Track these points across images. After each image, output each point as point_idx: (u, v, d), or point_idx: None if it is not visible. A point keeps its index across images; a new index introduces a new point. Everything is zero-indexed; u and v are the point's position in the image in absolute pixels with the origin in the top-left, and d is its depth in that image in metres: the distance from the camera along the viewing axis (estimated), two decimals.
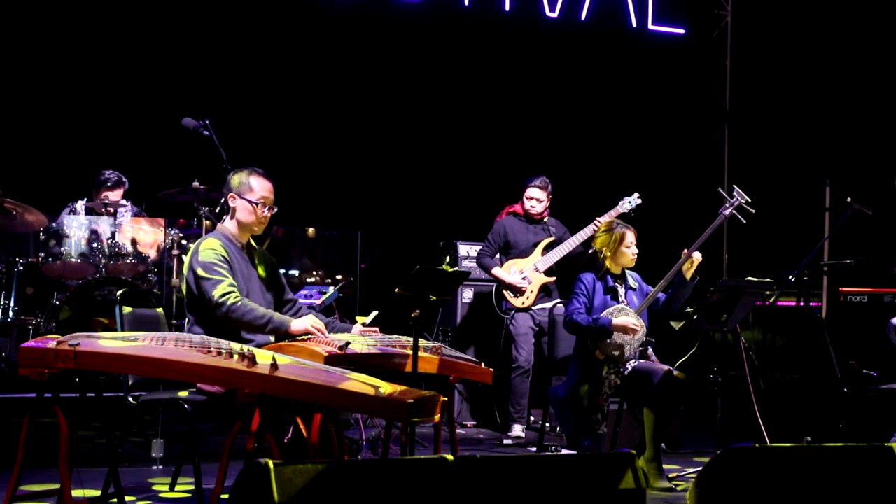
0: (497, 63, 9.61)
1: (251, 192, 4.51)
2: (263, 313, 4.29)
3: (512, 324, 6.99)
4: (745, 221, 5.86)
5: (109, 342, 3.59)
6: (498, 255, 7.09)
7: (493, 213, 7.35)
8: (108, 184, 7.02)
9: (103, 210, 6.99)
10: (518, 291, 6.93)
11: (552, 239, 7.03)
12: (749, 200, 5.87)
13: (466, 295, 7.67)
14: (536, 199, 7.03)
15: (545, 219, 7.10)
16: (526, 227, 7.07)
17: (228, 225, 4.56)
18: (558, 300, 7.01)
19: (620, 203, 6.88)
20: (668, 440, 6.36)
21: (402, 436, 4.40)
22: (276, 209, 4.60)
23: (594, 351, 5.46)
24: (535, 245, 7.02)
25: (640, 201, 6.88)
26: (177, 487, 4.88)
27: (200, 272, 4.31)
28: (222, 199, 6.63)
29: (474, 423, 7.60)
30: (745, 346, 6.05)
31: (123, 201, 7.12)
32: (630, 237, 5.64)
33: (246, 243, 4.58)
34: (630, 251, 5.63)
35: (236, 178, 4.56)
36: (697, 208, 9.91)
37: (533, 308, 6.96)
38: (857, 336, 7.41)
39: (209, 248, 4.38)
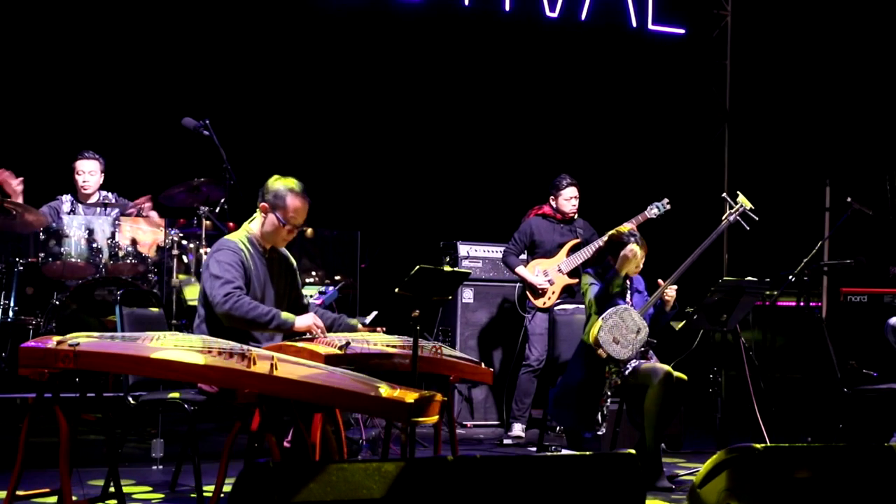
0: (497, 63, 9.61)
1: (283, 211, 4.47)
2: (267, 310, 4.28)
3: (530, 323, 7.00)
4: (748, 228, 5.85)
5: (109, 342, 3.59)
6: (525, 255, 7.11)
7: (494, 214, 7.36)
8: (85, 155, 6.99)
9: (85, 199, 6.96)
10: (540, 292, 6.94)
11: (578, 241, 7.03)
12: (752, 208, 5.86)
13: (466, 295, 7.68)
14: (576, 197, 7.04)
15: (575, 219, 7.09)
16: (553, 227, 7.07)
17: (254, 228, 4.55)
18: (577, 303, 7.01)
19: (648, 209, 6.88)
20: (668, 440, 6.37)
21: (402, 436, 4.40)
22: (306, 229, 4.58)
23: (597, 350, 5.45)
24: (561, 246, 7.02)
25: (669, 207, 6.87)
26: (177, 488, 4.88)
27: (212, 269, 4.31)
28: (222, 199, 6.68)
29: (474, 422, 7.61)
30: (745, 346, 6.05)
31: (110, 197, 7.08)
32: (639, 254, 5.60)
33: (269, 249, 4.57)
34: (636, 266, 5.62)
35: (273, 189, 4.49)
36: (698, 209, 9.92)
37: (554, 309, 6.95)
38: (857, 336, 7.41)
39: (229, 249, 4.38)
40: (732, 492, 2.96)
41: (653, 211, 6.89)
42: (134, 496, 4.76)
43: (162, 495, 4.82)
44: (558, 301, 6.89)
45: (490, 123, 9.53)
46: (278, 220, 4.47)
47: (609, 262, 5.67)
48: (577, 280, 6.96)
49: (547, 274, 6.95)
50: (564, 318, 6.28)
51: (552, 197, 7.08)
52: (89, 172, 6.99)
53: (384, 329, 4.63)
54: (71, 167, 7.04)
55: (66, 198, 7.06)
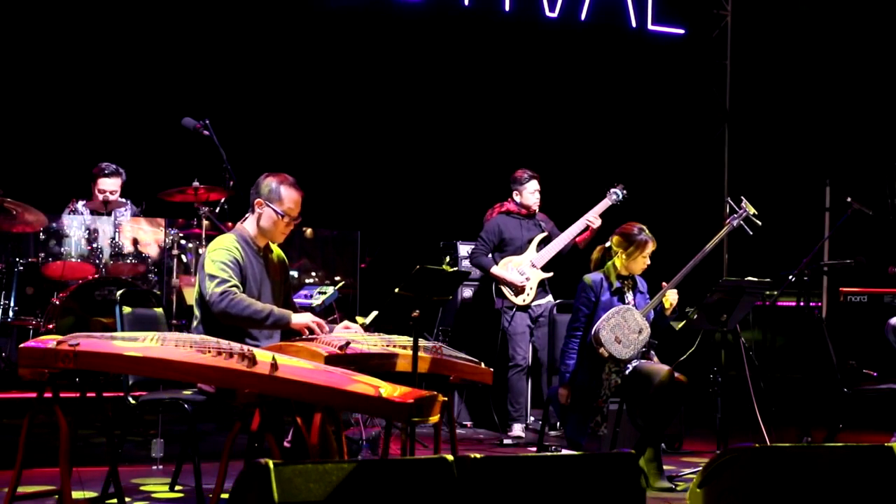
0: (497, 63, 9.61)
1: (279, 203, 4.46)
2: (262, 307, 4.27)
3: (509, 323, 6.99)
4: (751, 233, 5.84)
5: (109, 342, 3.60)
6: (491, 255, 7.09)
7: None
8: (106, 172, 7.03)
9: (104, 210, 6.98)
10: (518, 289, 6.94)
11: (545, 234, 7.05)
12: (756, 213, 5.85)
13: (466, 295, 7.68)
14: (538, 190, 7.06)
15: (536, 212, 7.12)
16: (519, 223, 7.08)
17: (248, 226, 4.53)
18: (550, 297, 7.02)
19: (608, 195, 6.90)
20: (668, 440, 6.36)
21: (402, 436, 4.40)
22: (300, 219, 4.58)
23: (598, 349, 5.43)
24: (529, 241, 7.03)
25: (625, 192, 6.89)
26: (177, 487, 4.88)
27: (208, 268, 4.30)
28: (223, 199, 6.69)
29: (471, 423, 7.61)
30: (745, 346, 6.04)
31: (122, 199, 7.11)
32: (650, 248, 5.59)
33: (263, 247, 4.56)
34: (645, 261, 5.62)
35: (266, 184, 4.49)
36: (698, 209, 9.93)
37: (531, 306, 6.97)
38: (856, 336, 7.41)
39: (223, 248, 4.37)
40: (732, 492, 2.96)
41: (612, 197, 6.90)
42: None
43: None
44: (535, 297, 6.91)
45: (490, 123, 9.53)
46: (276, 213, 4.46)
47: (617, 251, 5.62)
48: (551, 274, 6.98)
49: (521, 270, 6.96)
50: (563, 317, 6.27)
51: (515, 192, 7.09)
52: (110, 192, 7.03)
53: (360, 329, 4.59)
54: (91, 173, 7.05)
55: (80, 204, 7.05)
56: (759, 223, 5.85)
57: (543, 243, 7.03)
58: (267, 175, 4.54)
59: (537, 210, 7.12)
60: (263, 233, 4.52)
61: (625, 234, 5.62)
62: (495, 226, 7.08)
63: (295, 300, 5.13)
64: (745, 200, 5.91)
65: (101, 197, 7.00)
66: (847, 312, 7.67)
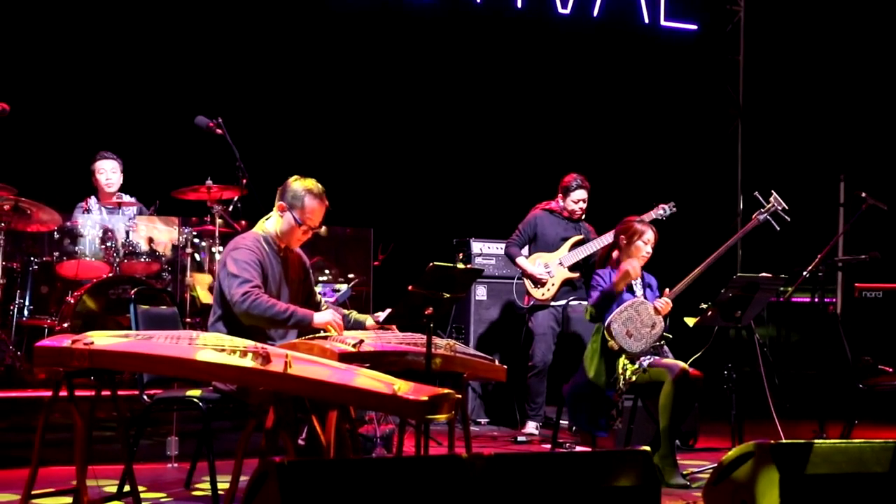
0: (509, 60, 9.60)
1: (301, 211, 4.46)
2: (285, 308, 4.28)
3: (531, 322, 6.99)
4: (778, 229, 5.82)
5: (122, 340, 3.60)
6: (526, 249, 7.10)
7: (507, 211, 7.35)
8: (105, 155, 7.05)
9: (115, 206, 7.01)
10: (539, 283, 6.93)
11: (581, 237, 7.01)
12: (786, 208, 5.82)
13: (480, 292, 7.68)
14: (584, 199, 7.03)
15: (581, 219, 7.09)
16: (557, 221, 7.07)
17: (270, 227, 4.54)
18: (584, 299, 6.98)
19: (654, 210, 6.77)
20: (682, 437, 6.35)
21: (416, 433, 4.40)
22: (319, 229, 4.57)
23: (609, 342, 5.42)
24: (564, 240, 7.01)
25: (675, 210, 6.80)
26: (192, 485, 4.89)
27: (230, 268, 4.30)
28: (236, 198, 6.70)
29: (487, 420, 7.61)
30: (759, 342, 6.03)
31: (132, 199, 7.12)
32: (649, 235, 5.60)
33: (284, 248, 4.57)
34: (645, 248, 5.60)
35: (293, 189, 4.48)
36: (711, 205, 9.89)
37: (553, 304, 6.94)
38: (872, 332, 7.38)
39: (245, 248, 4.37)
40: (747, 488, 2.95)
41: (658, 212, 6.80)
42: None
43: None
44: (561, 295, 6.88)
45: (503, 120, 9.52)
46: (294, 221, 4.47)
47: (619, 242, 5.65)
48: (578, 275, 6.95)
49: (548, 266, 6.95)
50: (577, 315, 6.27)
51: (560, 195, 7.08)
52: (111, 170, 7.06)
53: (395, 327, 4.62)
54: (89, 169, 7.09)
55: (93, 200, 7.09)
56: (788, 219, 5.82)
57: (578, 245, 6.99)
58: (297, 179, 4.53)
59: (581, 218, 7.09)
60: (281, 236, 4.53)
61: (625, 224, 5.67)
62: (533, 220, 7.10)
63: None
64: (774, 194, 5.88)
65: (102, 179, 7.03)
66: (862, 308, 7.64)
